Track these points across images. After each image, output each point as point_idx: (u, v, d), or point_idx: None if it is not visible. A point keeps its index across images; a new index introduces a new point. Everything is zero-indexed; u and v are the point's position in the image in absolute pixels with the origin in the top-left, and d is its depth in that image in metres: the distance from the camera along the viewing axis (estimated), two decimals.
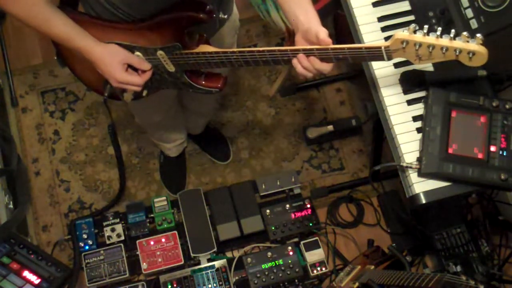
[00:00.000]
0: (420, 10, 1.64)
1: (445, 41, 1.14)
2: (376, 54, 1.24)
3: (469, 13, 1.41)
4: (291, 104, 2.44)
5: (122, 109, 2.40)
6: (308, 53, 1.26)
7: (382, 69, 1.59)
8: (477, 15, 1.40)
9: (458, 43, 1.14)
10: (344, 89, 2.47)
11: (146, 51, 1.34)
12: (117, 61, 1.32)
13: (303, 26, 1.28)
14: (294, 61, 1.28)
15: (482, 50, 1.15)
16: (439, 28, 1.16)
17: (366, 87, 1.64)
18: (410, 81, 1.54)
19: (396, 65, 1.59)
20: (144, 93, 1.46)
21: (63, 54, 1.46)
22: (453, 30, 1.15)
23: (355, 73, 2.44)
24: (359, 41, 1.63)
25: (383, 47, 1.20)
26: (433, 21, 1.62)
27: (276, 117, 2.42)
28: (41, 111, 2.39)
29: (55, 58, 1.48)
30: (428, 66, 1.59)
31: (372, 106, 1.64)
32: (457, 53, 1.16)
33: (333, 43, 1.26)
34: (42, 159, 2.31)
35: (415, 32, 1.17)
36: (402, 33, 1.17)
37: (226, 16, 1.45)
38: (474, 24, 1.41)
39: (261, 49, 1.29)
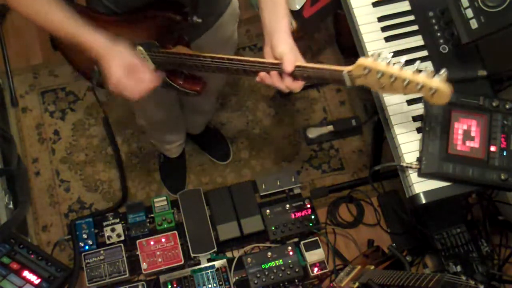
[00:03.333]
0: (420, 10, 1.64)
1: (408, 73, 1.08)
2: (338, 77, 1.20)
3: (469, 13, 1.41)
4: (291, 104, 2.44)
5: (123, 108, 2.40)
6: (275, 68, 1.24)
7: None
8: (477, 15, 1.40)
9: (421, 78, 1.08)
10: (344, 89, 2.47)
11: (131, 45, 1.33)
12: (119, 64, 1.24)
13: (271, 39, 1.26)
14: (258, 79, 1.27)
15: (445, 88, 1.09)
16: (402, 60, 1.09)
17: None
18: None
19: None
20: None
21: (56, 37, 1.43)
22: (418, 62, 1.10)
23: None
24: (359, 41, 1.64)
25: (345, 71, 1.17)
26: (433, 21, 1.62)
27: (276, 117, 2.42)
28: (41, 111, 2.39)
29: (49, 40, 1.45)
30: (428, 66, 1.59)
31: (372, 106, 1.64)
32: (418, 88, 1.09)
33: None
34: (42, 159, 2.31)
35: (378, 59, 1.11)
36: (365, 59, 1.12)
37: (200, 20, 1.37)
38: (474, 24, 1.41)
39: (231, 57, 1.29)
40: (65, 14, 1.20)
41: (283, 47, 1.23)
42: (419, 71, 1.07)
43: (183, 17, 1.27)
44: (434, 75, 1.07)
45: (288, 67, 1.21)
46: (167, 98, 1.78)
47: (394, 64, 1.08)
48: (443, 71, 1.08)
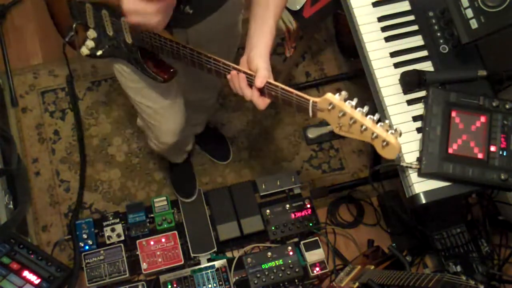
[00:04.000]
0: (420, 10, 1.65)
1: (368, 121, 1.13)
2: (303, 104, 1.23)
3: (469, 13, 1.41)
4: None
5: (123, 108, 2.40)
6: (248, 78, 1.27)
7: (382, 69, 1.59)
8: (477, 15, 1.40)
9: (378, 129, 1.13)
10: (344, 89, 2.46)
11: (114, 11, 1.33)
12: None
13: (250, 51, 1.29)
14: (228, 77, 1.30)
15: (396, 144, 1.14)
16: (365, 109, 1.14)
17: (366, 87, 1.64)
18: (410, 81, 1.54)
19: (396, 65, 1.59)
20: (99, 52, 1.45)
21: None
22: (377, 115, 1.14)
23: (355, 73, 2.44)
24: (359, 41, 1.64)
25: (311, 101, 1.20)
26: (433, 21, 1.62)
27: (276, 117, 2.42)
28: (41, 111, 2.39)
29: None
30: (428, 66, 1.59)
31: (372, 106, 1.64)
32: (373, 137, 1.14)
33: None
34: (42, 159, 2.31)
35: (345, 100, 1.15)
36: (333, 96, 1.15)
37: (191, 11, 1.35)
38: (474, 24, 1.41)
39: (208, 55, 1.31)
40: None
41: (259, 62, 1.27)
42: (378, 121, 1.12)
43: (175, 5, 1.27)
44: (389, 130, 1.13)
45: (259, 81, 1.25)
46: (178, 115, 1.75)
47: (357, 109, 1.13)
48: (399, 129, 1.14)
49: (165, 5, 1.19)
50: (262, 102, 1.32)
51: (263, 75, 1.26)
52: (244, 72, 1.27)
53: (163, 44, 1.36)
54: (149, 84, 1.58)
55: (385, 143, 1.14)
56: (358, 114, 1.13)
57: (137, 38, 1.39)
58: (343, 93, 1.16)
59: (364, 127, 1.13)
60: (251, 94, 1.31)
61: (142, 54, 1.42)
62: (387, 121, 1.14)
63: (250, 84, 1.29)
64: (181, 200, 2.16)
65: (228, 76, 1.31)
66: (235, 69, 1.29)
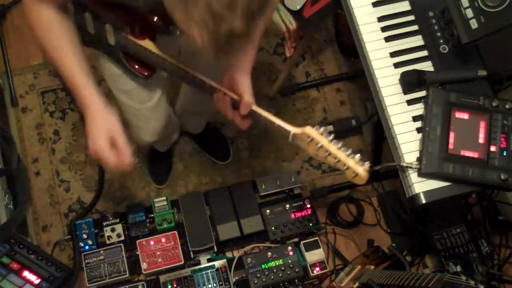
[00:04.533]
0: (420, 10, 1.65)
1: (341, 154, 1.27)
2: (284, 133, 1.33)
3: (469, 13, 1.41)
4: (291, 104, 2.44)
5: None
6: (233, 101, 1.33)
7: (382, 69, 1.59)
8: (477, 15, 1.40)
9: (350, 162, 1.27)
10: (344, 89, 2.47)
11: (97, 18, 1.32)
12: (106, 130, 1.29)
13: (234, 72, 1.33)
14: (214, 96, 1.34)
15: (364, 176, 1.29)
16: (340, 144, 1.29)
17: (366, 87, 1.64)
18: (410, 81, 1.54)
19: (396, 65, 1.60)
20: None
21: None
22: (350, 149, 1.29)
23: (355, 73, 2.44)
24: (359, 41, 1.64)
25: (292, 133, 1.30)
26: (433, 21, 1.62)
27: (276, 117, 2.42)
28: (41, 111, 2.39)
29: None
30: (428, 66, 1.59)
31: (372, 106, 1.64)
32: (345, 168, 1.28)
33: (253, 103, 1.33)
34: (42, 159, 2.31)
35: (323, 134, 1.28)
36: (313, 131, 1.27)
37: (179, 33, 1.37)
38: (474, 24, 1.41)
39: (194, 74, 1.36)
40: (79, 65, 1.26)
41: (244, 86, 1.32)
42: (350, 154, 1.28)
43: (165, 24, 1.28)
44: (358, 163, 1.28)
45: (244, 109, 1.31)
46: (162, 112, 1.75)
47: (332, 141, 1.28)
48: (367, 163, 1.29)
49: (128, 158, 1.32)
50: (243, 124, 1.36)
51: (247, 103, 1.30)
52: (230, 97, 1.32)
53: (148, 55, 1.36)
54: (133, 84, 1.54)
55: (354, 174, 1.29)
56: (333, 148, 1.27)
57: (122, 45, 1.38)
58: (322, 129, 1.28)
59: (337, 159, 1.27)
60: (233, 116, 1.34)
61: (123, 54, 1.41)
62: (358, 156, 1.29)
63: (234, 106, 1.32)
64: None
65: (214, 95, 1.33)
66: (221, 91, 1.32)
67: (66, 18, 1.27)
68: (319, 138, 1.27)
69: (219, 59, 0.96)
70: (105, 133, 1.29)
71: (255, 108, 1.33)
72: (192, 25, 0.89)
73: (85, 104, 1.29)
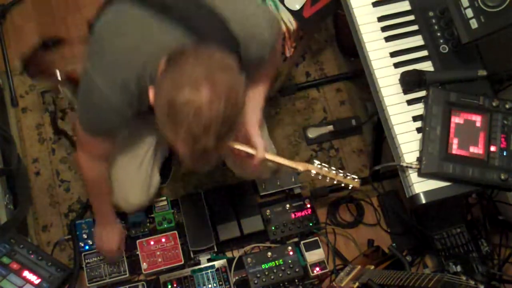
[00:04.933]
0: (420, 10, 1.65)
1: (340, 177, 1.61)
2: (292, 170, 1.69)
3: (469, 13, 1.41)
4: (291, 104, 2.44)
5: None
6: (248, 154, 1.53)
7: (382, 69, 1.59)
8: (477, 15, 1.40)
9: (345, 180, 1.63)
10: (344, 89, 2.46)
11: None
12: (118, 240, 1.84)
13: (247, 129, 1.54)
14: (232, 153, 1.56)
15: (357, 186, 1.65)
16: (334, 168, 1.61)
17: (366, 87, 1.64)
18: (410, 81, 1.54)
19: (396, 65, 1.60)
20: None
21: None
22: (341, 171, 1.61)
23: (355, 73, 2.44)
24: (359, 41, 1.64)
25: (299, 170, 1.60)
26: (433, 21, 1.63)
27: (276, 117, 2.42)
28: (41, 111, 2.39)
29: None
30: (428, 66, 1.59)
31: (372, 106, 1.64)
32: (342, 185, 1.64)
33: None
34: (42, 159, 2.31)
35: (320, 166, 1.60)
36: (312, 166, 1.59)
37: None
38: (474, 24, 1.41)
39: None
40: (109, 203, 1.76)
41: (256, 139, 1.53)
42: (344, 174, 1.62)
43: None
44: (351, 177, 1.63)
45: (257, 163, 1.53)
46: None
47: (328, 169, 1.60)
48: (357, 178, 1.64)
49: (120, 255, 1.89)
50: (255, 169, 1.61)
51: (260, 158, 1.52)
52: (245, 152, 1.51)
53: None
54: (119, 147, 1.75)
55: (350, 187, 1.65)
56: (331, 174, 1.61)
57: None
58: (317, 163, 1.60)
59: (335, 180, 1.62)
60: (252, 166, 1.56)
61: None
62: (354, 176, 1.63)
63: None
64: None
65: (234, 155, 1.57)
66: (236, 149, 1.50)
67: (107, 173, 1.68)
68: (318, 170, 1.59)
69: (196, 168, 1.22)
70: (117, 242, 1.85)
71: (268, 156, 1.55)
72: (178, 142, 1.13)
73: (104, 222, 1.79)
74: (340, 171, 1.61)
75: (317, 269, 2.02)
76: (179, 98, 1.08)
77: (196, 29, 1.28)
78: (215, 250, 2.05)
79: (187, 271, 2.00)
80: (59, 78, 1.66)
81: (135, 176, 1.80)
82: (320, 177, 1.61)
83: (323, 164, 1.60)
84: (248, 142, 1.53)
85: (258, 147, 1.52)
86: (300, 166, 1.59)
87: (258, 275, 1.97)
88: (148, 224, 2.05)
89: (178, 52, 1.16)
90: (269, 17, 1.42)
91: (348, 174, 1.62)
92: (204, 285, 1.98)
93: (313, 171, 1.59)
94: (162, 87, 1.13)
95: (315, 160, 1.61)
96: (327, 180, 1.62)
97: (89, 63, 1.34)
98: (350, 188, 1.65)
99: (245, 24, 1.34)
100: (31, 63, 1.73)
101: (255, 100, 1.61)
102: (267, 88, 1.65)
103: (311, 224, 2.08)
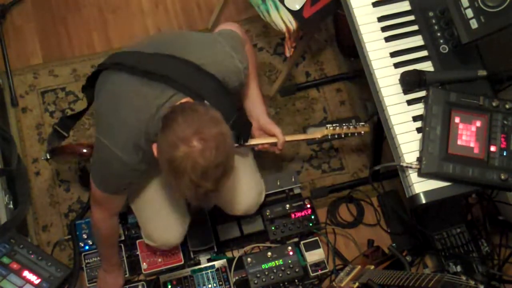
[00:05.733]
0: (420, 10, 1.65)
1: (352, 129, 1.84)
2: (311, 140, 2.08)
3: (469, 13, 1.41)
4: (291, 104, 2.44)
5: None
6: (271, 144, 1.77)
7: (382, 69, 1.59)
8: (477, 15, 1.40)
9: (357, 129, 1.85)
10: (344, 89, 2.47)
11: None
12: (118, 285, 1.95)
13: (258, 121, 1.76)
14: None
15: (367, 131, 1.88)
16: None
17: (366, 87, 1.64)
18: (410, 81, 1.54)
19: (396, 65, 1.60)
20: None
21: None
22: (350, 124, 1.85)
23: (355, 73, 2.44)
24: (359, 41, 1.64)
25: (316, 138, 1.85)
26: (433, 21, 1.62)
27: (276, 117, 2.42)
28: (41, 111, 2.39)
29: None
30: (428, 66, 1.59)
31: (372, 106, 1.64)
32: (355, 134, 1.87)
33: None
34: (42, 159, 2.31)
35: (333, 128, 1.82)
36: (328, 130, 1.81)
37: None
38: (474, 24, 1.41)
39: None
40: (116, 253, 1.90)
41: (272, 128, 1.75)
42: (354, 125, 1.85)
43: None
44: (360, 124, 1.86)
45: (281, 147, 1.76)
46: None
47: (338, 126, 1.82)
48: (366, 125, 1.88)
49: None
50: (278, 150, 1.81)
51: (282, 143, 1.75)
52: (269, 143, 1.76)
53: None
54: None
55: (362, 132, 1.88)
56: (345, 129, 1.84)
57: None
58: (329, 125, 1.83)
59: (349, 134, 1.86)
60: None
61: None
62: (361, 123, 1.87)
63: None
64: None
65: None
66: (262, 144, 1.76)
67: (118, 225, 1.86)
68: (333, 131, 1.82)
69: (201, 206, 1.47)
70: (120, 287, 1.96)
71: (288, 138, 1.77)
72: (182, 189, 1.31)
73: (110, 270, 1.91)
74: (349, 124, 1.83)
75: (317, 269, 2.02)
76: (175, 155, 1.26)
77: (182, 82, 1.46)
78: (215, 250, 2.05)
79: (187, 271, 2.00)
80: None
81: (171, 215, 1.86)
82: (336, 136, 1.83)
83: (334, 124, 1.82)
84: (264, 133, 1.77)
85: (277, 133, 1.73)
86: (318, 134, 1.83)
87: (258, 275, 1.97)
88: None
89: (169, 112, 1.34)
90: (231, 43, 1.57)
91: (357, 124, 1.84)
92: (204, 285, 1.98)
93: (329, 134, 1.81)
94: (161, 147, 1.32)
95: (327, 124, 1.85)
96: (342, 136, 1.84)
97: (101, 135, 1.52)
98: (363, 134, 1.86)
99: (217, 64, 1.52)
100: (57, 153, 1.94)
101: (253, 96, 1.79)
102: (257, 81, 1.82)
103: (311, 224, 2.08)
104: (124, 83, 1.50)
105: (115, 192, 1.63)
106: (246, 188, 1.87)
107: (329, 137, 1.82)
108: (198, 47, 1.55)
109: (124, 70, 1.50)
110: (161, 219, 1.84)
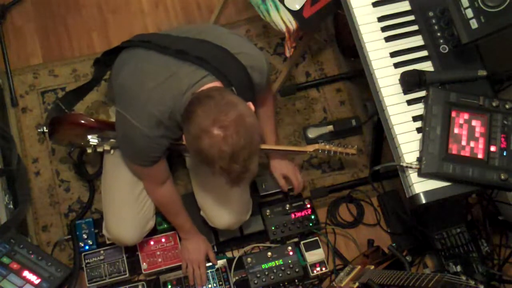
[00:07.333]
0: (420, 10, 1.65)
1: (342, 148, 2.02)
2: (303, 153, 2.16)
3: (469, 13, 1.41)
4: (291, 104, 2.44)
5: None
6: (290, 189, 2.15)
7: (382, 69, 1.59)
8: (477, 15, 1.40)
9: (345, 150, 2.03)
10: (344, 89, 2.47)
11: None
12: (205, 249, 1.98)
13: (281, 171, 2.10)
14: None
15: (354, 151, 2.04)
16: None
17: (366, 87, 1.64)
18: (410, 81, 1.54)
19: (396, 65, 1.60)
20: (106, 147, 1.81)
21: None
22: (345, 145, 2.03)
23: (355, 73, 2.44)
24: (359, 41, 1.64)
25: (307, 152, 2.02)
26: (433, 21, 1.62)
27: (276, 117, 2.42)
28: (41, 111, 2.39)
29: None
30: (428, 66, 1.59)
31: (372, 106, 1.64)
32: (344, 155, 2.04)
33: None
34: (42, 159, 2.31)
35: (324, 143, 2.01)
36: (321, 145, 2.00)
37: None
38: (474, 24, 1.41)
39: None
40: (188, 219, 1.92)
41: (291, 175, 2.11)
42: (344, 146, 2.03)
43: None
44: (349, 146, 2.04)
45: (298, 190, 2.14)
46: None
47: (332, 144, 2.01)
48: (355, 147, 2.05)
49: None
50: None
51: (299, 187, 2.12)
52: (288, 190, 2.13)
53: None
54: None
55: (351, 155, 2.04)
56: (334, 147, 2.02)
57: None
58: (321, 141, 2.02)
59: (338, 153, 2.03)
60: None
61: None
62: (350, 145, 2.04)
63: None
64: None
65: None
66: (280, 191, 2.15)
67: (174, 189, 1.86)
68: (323, 147, 1.99)
69: (232, 187, 1.46)
70: (204, 252, 1.97)
71: (281, 148, 2.07)
72: (217, 174, 1.38)
73: (188, 237, 1.95)
74: (339, 145, 2.01)
75: (317, 269, 2.02)
76: (201, 147, 1.33)
77: (215, 65, 1.49)
78: (215, 250, 2.05)
79: None
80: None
81: (132, 214, 1.84)
82: (326, 152, 1.98)
83: (325, 141, 1.99)
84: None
85: (293, 182, 2.12)
86: (309, 148, 1.98)
87: (258, 275, 1.97)
88: None
89: (187, 104, 1.40)
90: (264, 56, 1.66)
91: (346, 145, 2.01)
92: (204, 285, 1.98)
93: (320, 149, 1.97)
94: (188, 140, 1.39)
95: (318, 140, 2.03)
96: (331, 154, 2.00)
97: (123, 109, 1.54)
98: (350, 155, 2.01)
99: (250, 57, 1.58)
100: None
101: (267, 125, 2.00)
102: (273, 109, 2.01)
103: (311, 224, 2.08)
104: (154, 60, 1.53)
105: (149, 164, 1.65)
106: (236, 206, 1.88)
107: (320, 151, 1.98)
108: (234, 38, 1.60)
109: (154, 49, 1.54)
110: (122, 215, 1.83)
